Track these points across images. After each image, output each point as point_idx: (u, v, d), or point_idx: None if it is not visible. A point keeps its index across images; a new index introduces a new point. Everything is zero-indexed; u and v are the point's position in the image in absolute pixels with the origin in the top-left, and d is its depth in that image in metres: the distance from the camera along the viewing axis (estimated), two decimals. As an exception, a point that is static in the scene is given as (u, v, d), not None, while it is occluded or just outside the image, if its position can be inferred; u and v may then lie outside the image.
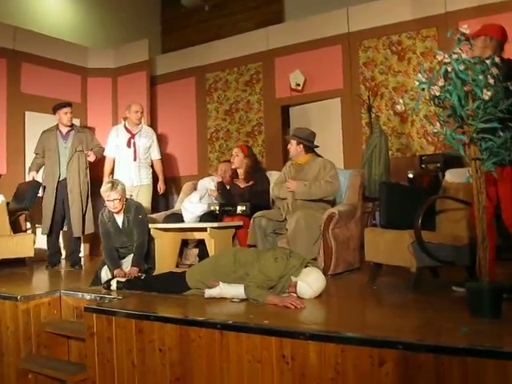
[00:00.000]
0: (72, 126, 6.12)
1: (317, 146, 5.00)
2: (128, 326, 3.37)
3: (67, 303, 4.31)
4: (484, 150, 2.81)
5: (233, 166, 5.46)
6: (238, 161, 5.36)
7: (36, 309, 4.21)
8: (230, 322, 2.92)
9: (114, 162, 6.16)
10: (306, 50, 7.12)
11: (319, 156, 5.02)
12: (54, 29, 8.20)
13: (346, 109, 6.82)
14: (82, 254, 6.48)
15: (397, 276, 4.17)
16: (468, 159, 2.83)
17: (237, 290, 3.61)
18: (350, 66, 6.80)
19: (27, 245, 5.76)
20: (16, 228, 6.39)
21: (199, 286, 3.85)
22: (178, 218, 5.36)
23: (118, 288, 4.25)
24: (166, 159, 8.49)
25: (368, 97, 6.43)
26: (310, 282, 3.56)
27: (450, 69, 2.69)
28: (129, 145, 5.99)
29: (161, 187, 6.30)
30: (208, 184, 5.81)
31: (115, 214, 4.70)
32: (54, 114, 6.06)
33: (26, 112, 7.22)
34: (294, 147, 4.90)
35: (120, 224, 4.70)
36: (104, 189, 4.62)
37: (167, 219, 5.44)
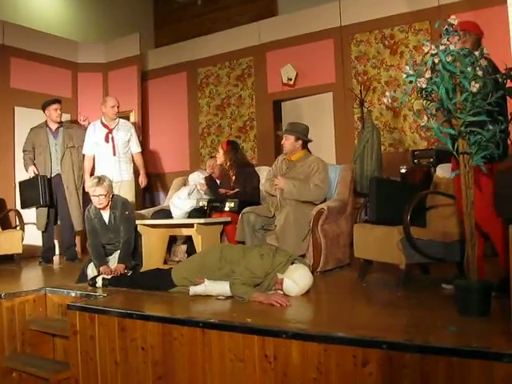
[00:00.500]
0: (60, 122, 6.11)
1: (310, 141, 4.93)
2: (111, 324, 3.30)
3: (52, 300, 4.24)
4: (472, 144, 2.74)
5: (217, 162, 5.39)
6: (220, 156, 5.31)
7: (20, 306, 4.14)
8: (212, 320, 2.85)
9: (93, 159, 5.97)
10: (297, 44, 7.04)
11: (311, 153, 4.94)
12: (44, 23, 8.09)
13: (338, 103, 6.74)
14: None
15: (387, 273, 4.11)
16: (456, 153, 2.77)
17: (222, 288, 3.54)
18: (342, 60, 6.72)
19: (15, 241, 5.69)
20: (5, 224, 6.32)
21: (185, 283, 3.78)
22: (167, 214, 5.29)
23: (103, 285, 4.18)
24: (158, 155, 8.45)
25: (360, 91, 6.36)
26: (297, 279, 3.49)
27: (437, 60, 2.62)
28: (107, 140, 5.82)
29: (142, 181, 6.07)
30: (197, 178, 5.74)
31: (101, 211, 4.63)
32: (44, 111, 6.05)
33: (16, 107, 7.12)
34: (290, 142, 4.79)
35: (106, 220, 4.63)
36: (90, 184, 4.57)
37: (155, 215, 5.36)
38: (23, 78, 7.20)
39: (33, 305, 4.22)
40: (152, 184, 8.36)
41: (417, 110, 5.43)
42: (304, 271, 3.56)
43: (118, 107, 5.86)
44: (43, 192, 5.86)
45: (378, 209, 3.96)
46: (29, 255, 6.74)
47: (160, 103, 8.45)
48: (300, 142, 4.80)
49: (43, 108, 6.06)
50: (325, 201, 4.81)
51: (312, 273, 4.40)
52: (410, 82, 2.84)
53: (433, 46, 2.59)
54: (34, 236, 6.88)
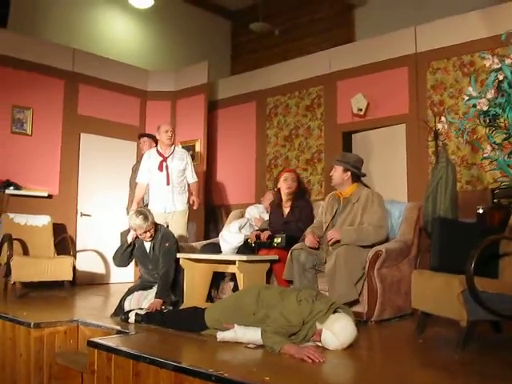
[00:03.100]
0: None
1: (364, 175, 4.47)
2: (126, 366, 2.99)
3: (84, 334, 4.01)
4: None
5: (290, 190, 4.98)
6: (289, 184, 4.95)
7: (50, 337, 3.96)
8: (226, 375, 2.45)
9: (146, 188, 5.71)
10: (369, 73, 6.62)
11: (365, 186, 4.48)
12: (115, 51, 8.21)
13: (412, 136, 6.22)
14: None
15: (450, 327, 3.53)
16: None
17: (254, 335, 3.15)
18: (416, 90, 6.21)
19: (66, 268, 5.60)
20: (62, 250, 6.24)
21: (217, 325, 3.44)
22: (216, 247, 4.98)
23: (136, 321, 3.94)
24: (224, 186, 8.23)
25: (435, 123, 5.81)
26: (337, 331, 3.03)
27: (501, 77, 2.15)
28: (161, 169, 5.49)
29: (193, 200, 5.61)
30: (252, 212, 5.40)
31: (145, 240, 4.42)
32: None
33: (82, 134, 7.18)
34: (338, 174, 4.35)
35: (147, 250, 4.42)
36: (138, 222, 4.31)
37: (204, 248, 5.07)
38: (91, 105, 7.28)
39: (63, 336, 4.02)
40: (217, 215, 8.15)
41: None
42: (346, 322, 3.09)
43: (171, 132, 5.58)
44: None
45: (441, 254, 3.43)
46: (83, 282, 6.70)
47: (228, 133, 8.28)
48: (349, 173, 4.34)
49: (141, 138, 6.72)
50: (386, 241, 4.32)
51: (366, 322, 3.97)
52: (474, 105, 2.38)
53: (496, 60, 2.13)
54: (89, 264, 6.85)
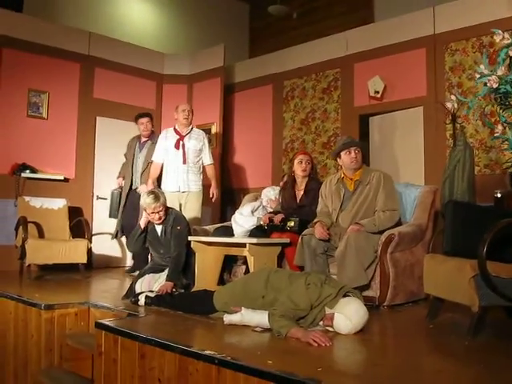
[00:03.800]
0: (151, 136, 6.20)
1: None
2: (132, 348, 2.99)
3: (95, 316, 4.02)
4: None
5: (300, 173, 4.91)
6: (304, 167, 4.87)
7: (61, 319, 3.99)
8: (229, 358, 2.43)
9: (161, 168, 5.70)
10: (386, 55, 6.47)
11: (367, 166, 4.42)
12: (132, 34, 8.18)
13: (429, 119, 6.09)
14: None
15: (463, 313, 3.45)
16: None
17: (261, 318, 3.12)
18: (434, 72, 6.06)
19: (80, 251, 5.62)
20: (78, 233, 6.27)
21: (226, 308, 3.41)
22: (228, 231, 4.94)
23: (146, 304, 3.94)
24: (240, 169, 8.18)
25: (453, 105, 5.67)
26: (349, 314, 2.98)
27: (512, 53, 2.06)
28: (177, 147, 5.49)
29: (213, 193, 5.68)
30: (269, 194, 5.34)
31: (155, 223, 4.40)
32: (136, 123, 6.28)
33: (98, 117, 7.18)
34: (360, 156, 4.29)
35: (159, 233, 4.40)
36: (148, 201, 4.31)
37: (216, 231, 5.03)
38: (107, 89, 7.26)
39: (74, 318, 4.05)
40: (233, 199, 8.12)
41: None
42: (358, 305, 3.04)
43: (189, 111, 5.56)
44: (112, 206, 6.27)
45: (454, 238, 3.36)
46: (100, 265, 6.74)
47: (245, 116, 8.21)
48: (360, 156, 4.31)
49: (135, 120, 6.29)
50: (399, 224, 4.25)
51: (378, 306, 3.92)
52: (485, 84, 2.29)
53: (506, 35, 2.03)
54: (105, 247, 6.88)
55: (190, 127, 5.64)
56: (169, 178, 5.53)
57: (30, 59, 6.63)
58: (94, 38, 7.20)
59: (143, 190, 5.57)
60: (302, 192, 4.85)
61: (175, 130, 5.61)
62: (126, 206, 6.20)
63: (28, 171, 6.43)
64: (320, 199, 4.48)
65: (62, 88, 6.90)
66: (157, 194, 4.35)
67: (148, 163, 6.01)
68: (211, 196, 5.70)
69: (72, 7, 7.78)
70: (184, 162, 5.48)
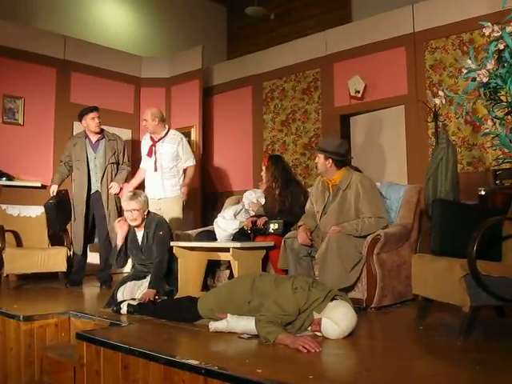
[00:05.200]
0: (102, 132, 5.65)
1: (348, 160, 4.26)
2: (115, 359, 2.88)
3: (76, 326, 3.90)
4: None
5: (263, 181, 4.88)
6: (263, 174, 4.87)
7: (40, 330, 3.84)
8: (216, 367, 2.34)
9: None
10: (366, 54, 6.45)
11: (356, 169, 4.32)
12: (108, 38, 8.05)
13: (411, 117, 6.07)
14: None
15: (452, 312, 3.41)
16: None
17: (247, 325, 3.03)
18: (415, 70, 6.05)
19: (60, 259, 5.45)
20: (55, 240, 6.10)
21: (211, 315, 3.32)
22: (211, 235, 4.85)
23: (128, 312, 3.82)
24: (221, 172, 8.10)
25: (434, 103, 5.66)
26: (337, 319, 2.90)
27: (502, 46, 2.01)
28: (149, 154, 5.40)
29: (183, 191, 5.50)
30: (250, 196, 5.25)
31: (136, 229, 4.29)
32: (80, 121, 5.64)
33: (75, 122, 6.98)
34: (321, 162, 4.12)
35: (139, 240, 4.28)
36: (124, 198, 4.31)
37: (199, 236, 4.94)
38: (84, 93, 7.10)
39: (54, 329, 3.91)
40: (215, 202, 8.03)
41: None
42: (346, 309, 2.97)
43: (145, 120, 5.46)
44: (53, 220, 5.61)
45: (442, 237, 3.32)
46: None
47: (225, 119, 8.14)
48: (330, 161, 4.09)
49: (80, 118, 5.61)
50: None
51: (365, 308, 3.86)
52: (473, 79, 2.24)
53: (496, 28, 1.98)
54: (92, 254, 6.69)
55: (164, 132, 5.49)
56: (146, 185, 5.46)
57: (3, 64, 6.46)
58: (70, 41, 7.06)
59: (115, 189, 5.48)
60: (277, 196, 4.75)
61: (150, 136, 5.50)
62: (87, 213, 5.59)
63: (4, 179, 6.26)
64: (309, 198, 4.42)
65: (37, 93, 6.75)
66: (137, 193, 4.30)
67: (109, 163, 5.57)
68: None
69: (45, 11, 7.61)
70: (155, 169, 5.39)
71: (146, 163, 5.51)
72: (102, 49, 7.43)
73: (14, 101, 6.56)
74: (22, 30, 6.73)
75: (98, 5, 8.36)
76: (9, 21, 6.69)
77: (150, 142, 5.45)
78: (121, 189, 5.59)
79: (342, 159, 4.14)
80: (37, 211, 6.07)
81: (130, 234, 4.31)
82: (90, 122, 5.52)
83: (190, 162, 5.56)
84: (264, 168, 4.80)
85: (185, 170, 5.57)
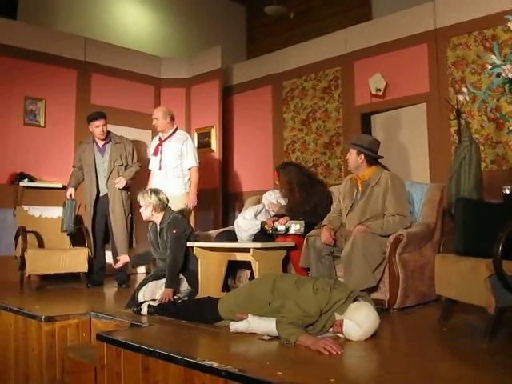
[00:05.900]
0: (108, 136, 5.75)
1: (381, 157, 4.26)
2: (135, 361, 2.87)
3: (97, 327, 3.91)
4: None
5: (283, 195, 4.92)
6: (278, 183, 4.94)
7: (62, 331, 3.87)
8: (236, 370, 2.31)
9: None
10: (387, 52, 6.36)
11: (384, 168, 4.28)
12: (129, 39, 8.09)
13: (433, 115, 5.97)
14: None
15: (477, 314, 3.34)
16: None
17: (268, 326, 3.00)
18: (436, 67, 5.95)
19: (81, 260, 5.49)
20: (77, 241, 6.13)
21: (232, 316, 3.29)
22: (231, 235, 4.84)
23: (149, 313, 3.81)
24: (241, 172, 8.08)
25: (457, 101, 5.56)
26: (359, 321, 2.86)
27: (528, 41, 1.94)
28: (155, 153, 5.46)
29: (188, 200, 5.40)
30: (270, 197, 5.23)
31: (158, 225, 4.35)
32: (88, 124, 5.73)
33: (96, 123, 7.05)
34: (353, 157, 4.15)
35: (158, 233, 4.32)
36: (139, 194, 4.43)
37: (219, 237, 4.93)
38: (104, 95, 7.16)
39: (75, 330, 3.93)
40: (236, 202, 8.02)
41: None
42: (368, 310, 2.92)
43: (155, 119, 5.48)
44: (67, 218, 5.65)
45: (466, 236, 3.26)
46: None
47: (244, 118, 8.11)
48: (362, 156, 4.12)
49: (87, 122, 5.72)
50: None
51: (388, 309, 3.81)
52: (498, 75, 2.18)
53: (522, 21, 1.93)
54: (108, 254, 6.73)
55: (171, 131, 5.49)
56: (152, 184, 5.45)
57: (25, 66, 6.54)
58: (90, 43, 7.12)
59: (122, 184, 5.58)
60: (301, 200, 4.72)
61: (159, 136, 5.60)
62: (96, 216, 5.76)
63: (26, 180, 6.33)
64: (336, 197, 4.42)
65: (58, 95, 6.81)
66: (148, 191, 4.37)
67: (115, 166, 5.67)
68: (184, 203, 5.39)
69: (66, 13, 7.70)
70: (160, 167, 5.45)
71: (152, 162, 5.60)
72: (122, 50, 7.47)
73: (35, 103, 6.63)
74: (43, 32, 6.81)
75: (118, 6, 8.42)
76: (30, 23, 6.76)
77: (157, 142, 5.55)
78: (126, 184, 5.67)
79: (374, 156, 4.16)
80: (58, 212, 6.11)
81: (153, 228, 4.37)
82: (95, 130, 5.66)
83: (192, 162, 5.48)
84: (278, 182, 4.86)
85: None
